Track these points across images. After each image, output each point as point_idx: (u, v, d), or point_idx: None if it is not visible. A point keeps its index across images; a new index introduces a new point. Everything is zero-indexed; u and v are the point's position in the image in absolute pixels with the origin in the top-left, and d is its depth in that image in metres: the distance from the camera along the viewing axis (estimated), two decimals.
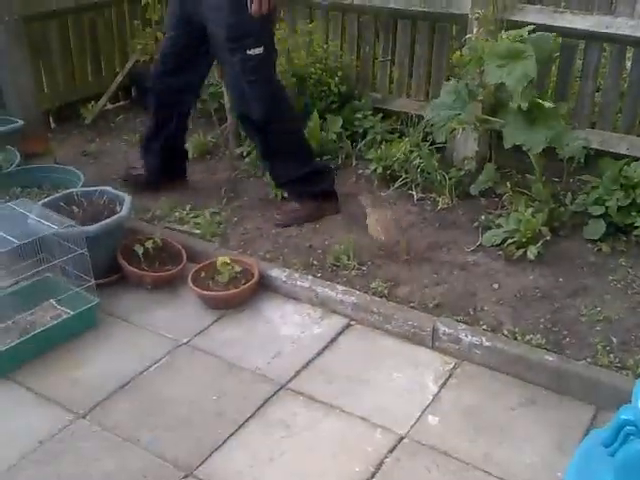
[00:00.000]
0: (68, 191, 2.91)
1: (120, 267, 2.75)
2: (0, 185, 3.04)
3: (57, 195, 2.88)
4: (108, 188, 2.91)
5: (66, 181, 3.10)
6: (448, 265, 2.73)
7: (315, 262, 2.77)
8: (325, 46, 3.80)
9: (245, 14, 2.69)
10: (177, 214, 3.11)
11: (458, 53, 3.03)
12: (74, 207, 2.81)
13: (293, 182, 3.07)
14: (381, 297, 2.54)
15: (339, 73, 3.72)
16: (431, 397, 2.18)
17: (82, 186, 3.02)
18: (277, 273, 2.70)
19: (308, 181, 3.05)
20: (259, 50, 2.78)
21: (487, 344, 2.27)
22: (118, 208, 2.79)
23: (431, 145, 3.32)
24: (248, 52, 2.77)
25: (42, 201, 2.79)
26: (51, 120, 4.08)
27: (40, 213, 2.56)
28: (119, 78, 4.31)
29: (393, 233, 2.79)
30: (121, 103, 4.44)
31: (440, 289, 2.58)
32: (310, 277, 2.66)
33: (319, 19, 3.92)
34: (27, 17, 3.65)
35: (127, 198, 2.82)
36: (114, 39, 4.33)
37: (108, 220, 2.68)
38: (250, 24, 2.72)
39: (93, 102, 4.19)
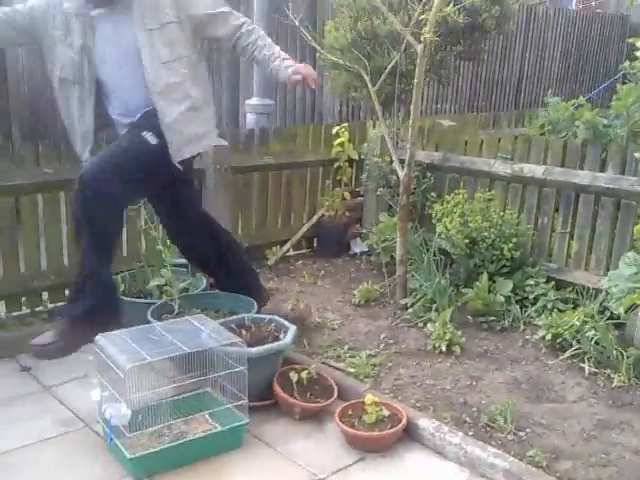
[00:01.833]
0: (240, 316, 3.14)
1: (274, 394, 2.82)
2: (184, 305, 3.35)
3: (230, 318, 3.12)
4: (276, 317, 3.10)
5: (240, 308, 3.34)
6: (620, 447, 2.43)
7: (468, 419, 2.63)
8: (502, 213, 3.86)
9: None
10: (335, 352, 3.18)
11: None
12: (243, 330, 3.00)
13: None
14: (538, 468, 2.30)
15: (513, 240, 3.72)
16: None
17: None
18: (425, 424, 2.59)
19: None
20: None
21: None
22: (282, 336, 2.94)
23: (608, 320, 3.12)
24: None
25: (217, 321, 3.02)
26: None
27: (213, 329, 2.77)
28: (304, 228, 4.71)
29: None
30: (303, 251, 4.79)
31: (608, 471, 2.28)
32: (460, 434, 2.51)
33: (498, 189, 4.04)
34: (233, 168, 4.20)
35: (292, 328, 2.97)
36: (306, 194, 4.78)
37: (271, 345, 2.82)
38: None
39: (278, 247, 4.58)
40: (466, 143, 4.56)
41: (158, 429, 2.58)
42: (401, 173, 3.72)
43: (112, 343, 2.59)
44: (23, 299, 3.57)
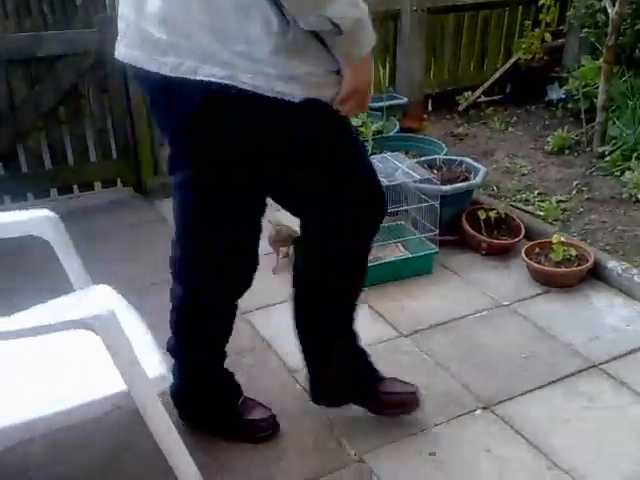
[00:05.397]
0: (433, 157, 3.30)
1: (462, 230, 3.02)
2: (377, 145, 3.58)
3: (423, 159, 3.29)
4: (467, 159, 3.21)
5: (430, 151, 3.50)
6: None
7: None
8: None
9: None
10: (524, 196, 3.26)
11: None
12: (435, 170, 3.18)
13: None
14: None
15: None
16: None
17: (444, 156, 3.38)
18: (613, 265, 2.65)
19: None
20: None
21: None
22: (472, 177, 3.07)
23: None
24: None
25: (411, 161, 3.21)
26: (430, 103, 4.57)
27: (409, 166, 2.97)
28: (498, 73, 4.60)
29: None
30: (494, 97, 4.71)
31: None
32: None
33: None
34: (430, 9, 4.15)
35: (482, 170, 3.08)
36: (502, 37, 4.61)
37: (461, 184, 2.98)
38: None
39: (469, 92, 4.56)
40: None
41: None
42: (611, 10, 3.46)
43: None
44: None
